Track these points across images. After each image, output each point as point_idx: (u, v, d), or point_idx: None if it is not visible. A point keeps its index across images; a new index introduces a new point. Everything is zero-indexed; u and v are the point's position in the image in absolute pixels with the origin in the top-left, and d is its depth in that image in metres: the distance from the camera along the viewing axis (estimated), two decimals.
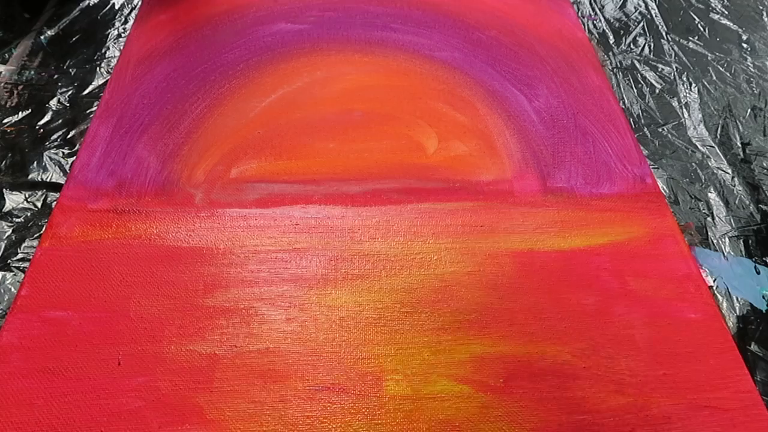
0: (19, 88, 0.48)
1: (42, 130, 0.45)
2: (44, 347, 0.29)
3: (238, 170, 0.38)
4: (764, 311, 0.35)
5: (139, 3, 0.55)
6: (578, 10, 0.55)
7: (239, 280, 0.32)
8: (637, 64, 0.51)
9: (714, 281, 0.36)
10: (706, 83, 0.49)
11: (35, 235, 0.38)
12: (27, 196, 0.40)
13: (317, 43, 0.48)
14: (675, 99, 0.48)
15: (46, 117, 0.46)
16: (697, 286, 0.32)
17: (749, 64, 0.51)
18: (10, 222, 0.38)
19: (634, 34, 0.54)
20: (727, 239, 0.38)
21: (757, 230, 0.39)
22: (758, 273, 0.36)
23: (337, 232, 0.35)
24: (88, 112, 0.46)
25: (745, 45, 0.53)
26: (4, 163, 0.42)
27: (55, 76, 0.49)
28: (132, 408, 0.27)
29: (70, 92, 0.48)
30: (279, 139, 0.40)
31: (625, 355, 0.30)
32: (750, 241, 0.38)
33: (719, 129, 0.45)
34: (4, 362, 0.29)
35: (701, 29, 0.55)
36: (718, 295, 0.35)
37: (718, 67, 0.50)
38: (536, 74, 0.45)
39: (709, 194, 0.41)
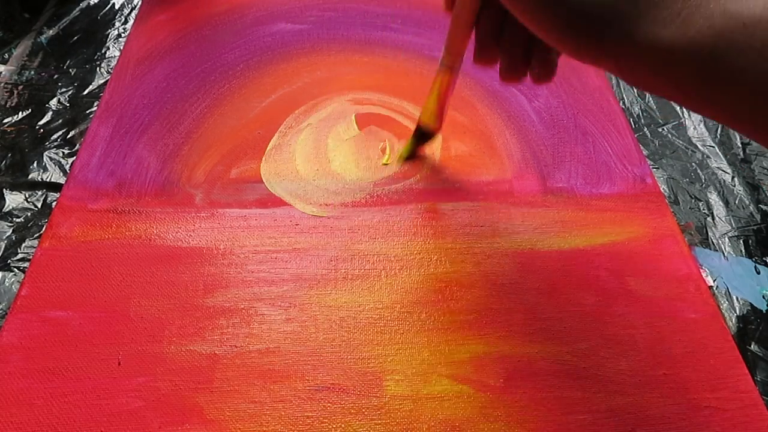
0: (19, 88, 0.48)
1: (42, 130, 0.45)
2: (44, 347, 0.29)
3: (238, 170, 0.38)
4: (764, 311, 0.35)
5: (139, 3, 0.55)
6: None
7: (239, 280, 0.32)
8: None
9: (714, 281, 0.36)
10: None
11: (35, 235, 0.38)
12: (27, 196, 0.40)
13: (317, 43, 0.48)
14: None
15: (46, 117, 0.46)
16: (697, 286, 0.32)
17: None
18: (10, 222, 0.38)
19: None
20: (727, 239, 0.38)
21: (757, 230, 0.39)
22: (758, 273, 0.36)
23: (337, 232, 0.35)
24: (88, 112, 0.46)
25: None
26: (4, 163, 0.42)
27: (55, 76, 0.49)
28: (132, 408, 0.27)
29: (70, 92, 0.48)
30: None
31: (625, 355, 0.30)
32: (750, 241, 0.38)
33: (719, 129, 0.45)
34: (4, 362, 0.29)
35: None
36: (718, 295, 0.35)
37: None
38: None
39: (709, 194, 0.41)
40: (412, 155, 0.38)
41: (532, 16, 0.20)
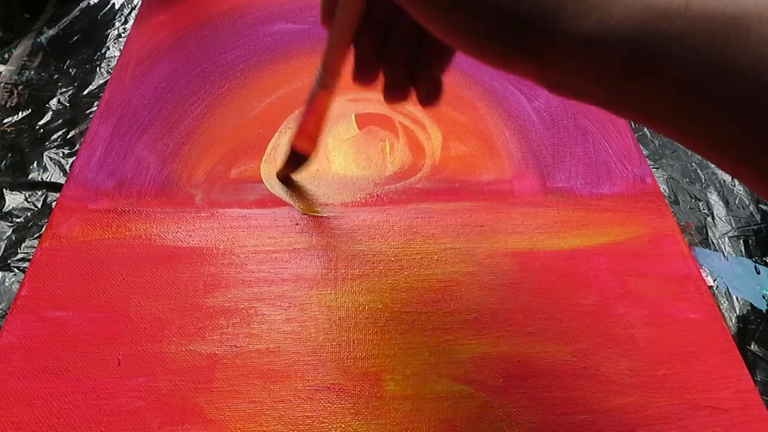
0: (19, 88, 0.48)
1: (42, 130, 0.45)
2: (44, 347, 0.29)
3: (238, 170, 0.38)
4: (764, 311, 0.35)
5: (139, 3, 0.55)
6: None
7: (239, 280, 0.32)
8: None
9: (714, 281, 0.36)
10: None
11: (35, 235, 0.38)
12: (27, 196, 0.40)
13: (317, 43, 0.48)
14: None
15: (46, 117, 0.46)
16: (697, 286, 0.32)
17: None
18: (10, 222, 0.38)
19: None
20: (727, 239, 0.38)
21: (757, 230, 0.39)
22: (758, 273, 0.36)
23: (337, 232, 0.35)
24: (88, 112, 0.46)
25: None
26: (4, 163, 0.42)
27: (55, 76, 0.49)
28: (132, 408, 0.27)
29: (70, 92, 0.48)
30: None
31: (625, 355, 0.30)
32: (750, 241, 0.38)
33: None
34: (4, 362, 0.29)
35: None
36: (718, 295, 0.35)
37: None
38: None
39: (709, 194, 0.41)
40: (286, 178, 0.37)
41: (443, 21, 0.19)
